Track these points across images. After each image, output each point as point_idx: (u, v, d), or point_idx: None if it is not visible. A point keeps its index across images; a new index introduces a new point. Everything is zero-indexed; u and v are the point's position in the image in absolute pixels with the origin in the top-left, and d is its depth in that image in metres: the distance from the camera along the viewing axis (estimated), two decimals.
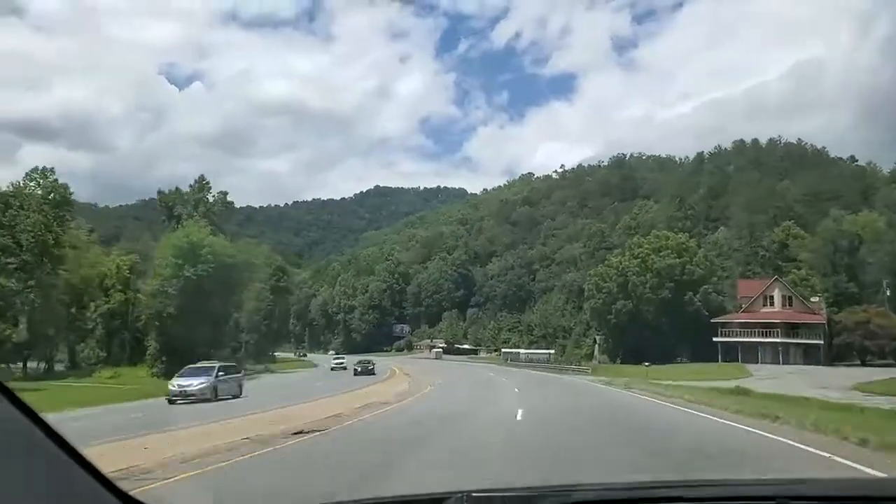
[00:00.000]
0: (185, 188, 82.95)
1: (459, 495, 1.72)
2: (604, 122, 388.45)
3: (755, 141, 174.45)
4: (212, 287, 63.33)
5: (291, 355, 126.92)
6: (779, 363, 66.57)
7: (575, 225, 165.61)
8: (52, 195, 65.49)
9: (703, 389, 31.43)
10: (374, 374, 60.68)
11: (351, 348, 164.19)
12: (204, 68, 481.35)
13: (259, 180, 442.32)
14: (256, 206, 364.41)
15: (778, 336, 70.71)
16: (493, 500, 2.00)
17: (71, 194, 67.18)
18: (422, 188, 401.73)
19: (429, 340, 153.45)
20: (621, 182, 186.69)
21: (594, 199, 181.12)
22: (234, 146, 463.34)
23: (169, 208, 78.92)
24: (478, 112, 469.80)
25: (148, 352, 63.93)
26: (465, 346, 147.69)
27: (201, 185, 79.42)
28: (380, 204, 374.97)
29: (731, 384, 35.17)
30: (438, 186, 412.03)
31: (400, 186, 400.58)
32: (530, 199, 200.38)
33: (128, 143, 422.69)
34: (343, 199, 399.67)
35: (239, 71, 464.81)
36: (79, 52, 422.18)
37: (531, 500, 1.91)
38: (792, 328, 70.61)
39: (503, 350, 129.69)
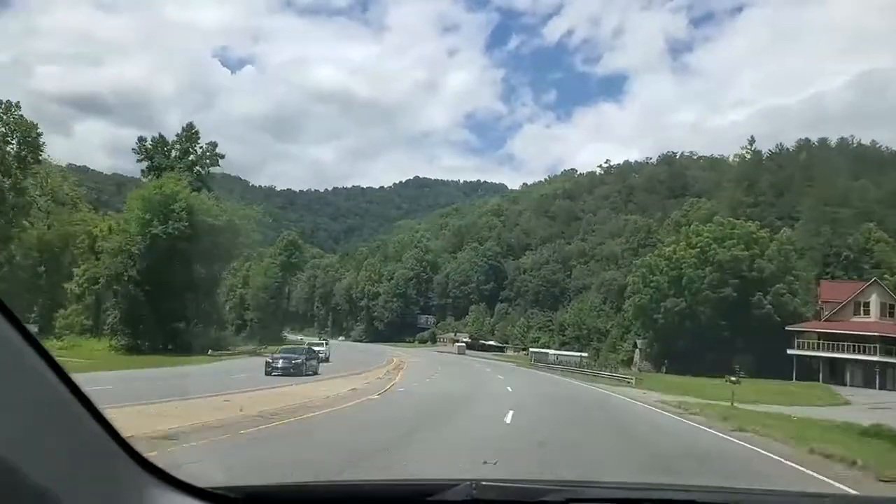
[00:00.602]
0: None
1: (469, 482, 1.76)
2: (653, 126, 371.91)
3: (823, 140, 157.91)
4: (189, 251, 52.71)
5: (300, 337, 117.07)
6: (874, 387, 52.65)
7: (617, 221, 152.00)
8: (14, 134, 55.47)
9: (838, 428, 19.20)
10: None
11: (373, 336, 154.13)
12: (257, 53, 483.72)
13: (302, 166, 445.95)
14: (297, 189, 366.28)
15: (874, 353, 56.30)
16: (500, 489, 1.96)
17: (39, 135, 56.87)
18: (462, 181, 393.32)
19: (453, 334, 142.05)
20: (670, 179, 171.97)
21: (640, 195, 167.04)
22: (282, 131, 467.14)
23: (149, 157, 67.92)
24: (524, 109, 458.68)
25: (107, 321, 53.68)
26: (492, 343, 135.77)
27: (189, 133, 68.61)
28: (418, 195, 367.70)
29: (840, 415, 23.22)
30: (478, 180, 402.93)
31: (439, 178, 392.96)
32: (571, 192, 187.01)
33: (177, 121, 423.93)
34: (382, 187, 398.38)
35: (291, 57, 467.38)
36: (136, 31, 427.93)
37: (539, 493, 1.86)
38: (893, 344, 56.09)
39: (531, 349, 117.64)
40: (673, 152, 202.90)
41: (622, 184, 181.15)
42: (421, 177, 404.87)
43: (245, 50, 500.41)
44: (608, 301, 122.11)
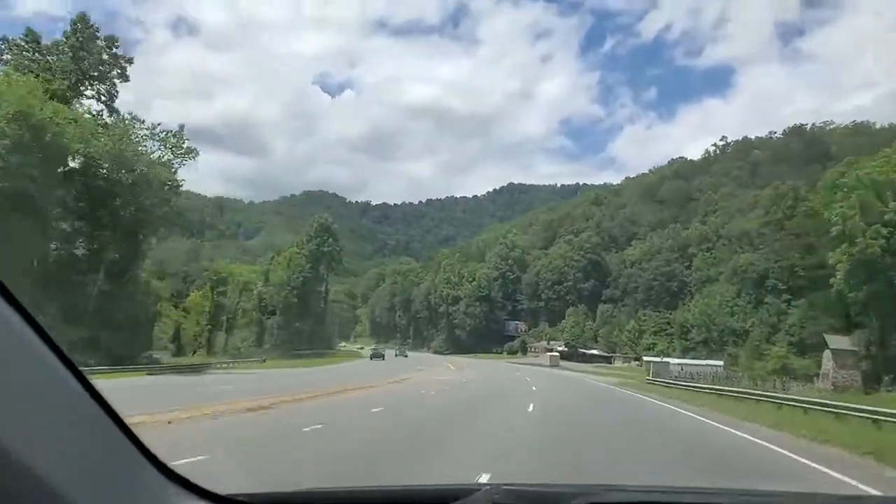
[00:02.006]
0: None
1: (489, 487, 1.75)
2: (764, 117, 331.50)
3: None
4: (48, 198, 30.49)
5: (360, 347, 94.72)
6: None
7: (746, 196, 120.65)
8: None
9: None
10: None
11: (455, 347, 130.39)
12: (354, 76, 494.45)
13: (399, 181, 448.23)
14: (392, 203, 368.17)
15: None
16: (520, 493, 1.92)
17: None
18: (559, 185, 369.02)
19: (546, 342, 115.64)
20: (805, 148, 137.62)
21: (767, 168, 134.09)
22: (379, 149, 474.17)
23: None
24: (623, 110, 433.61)
25: None
26: (594, 352, 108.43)
27: (84, 28, 42.65)
28: (512, 201, 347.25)
29: None
30: (577, 183, 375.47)
31: (535, 184, 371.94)
32: (682, 173, 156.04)
33: (283, 147, 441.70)
34: (476, 196, 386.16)
35: (386, 78, 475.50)
36: (243, 65, 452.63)
37: (561, 497, 1.80)
38: None
39: (646, 359, 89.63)
40: (801, 124, 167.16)
41: (744, 160, 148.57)
42: (515, 182, 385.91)
43: (343, 74, 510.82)
44: (744, 293, 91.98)
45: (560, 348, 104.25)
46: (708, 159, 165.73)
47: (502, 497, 1.75)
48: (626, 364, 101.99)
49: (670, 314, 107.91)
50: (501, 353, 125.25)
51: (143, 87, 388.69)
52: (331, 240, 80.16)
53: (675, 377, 66.99)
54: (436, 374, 45.69)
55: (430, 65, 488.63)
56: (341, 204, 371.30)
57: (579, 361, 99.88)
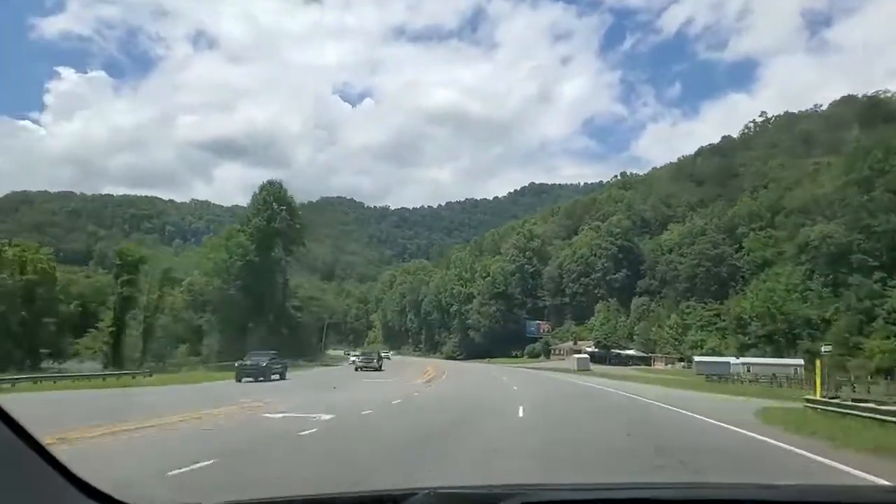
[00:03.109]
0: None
1: (426, 492, 1.74)
2: (792, 107, 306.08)
3: None
4: None
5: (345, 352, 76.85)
6: None
7: (802, 165, 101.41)
8: None
9: None
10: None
11: (469, 351, 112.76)
12: (374, 84, 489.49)
13: (420, 187, 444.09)
14: (410, 207, 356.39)
15: None
16: (458, 496, 1.96)
17: None
18: (582, 184, 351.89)
19: (572, 342, 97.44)
20: (866, 112, 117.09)
21: (825, 133, 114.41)
22: (400, 156, 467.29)
23: None
24: (646, 109, 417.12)
25: None
26: (630, 352, 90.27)
27: None
28: (535, 202, 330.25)
29: None
30: (601, 182, 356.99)
31: (557, 183, 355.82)
32: (722, 148, 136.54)
33: (304, 157, 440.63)
34: (496, 198, 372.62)
35: (406, 84, 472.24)
36: (264, 77, 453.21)
37: (494, 497, 1.80)
38: None
39: (697, 359, 71.48)
40: (851, 94, 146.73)
41: (791, 131, 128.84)
42: (537, 183, 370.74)
43: (363, 83, 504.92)
44: (817, 274, 73.06)
45: (589, 349, 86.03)
46: (747, 135, 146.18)
47: (439, 500, 1.74)
48: (668, 366, 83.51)
49: (720, 305, 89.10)
50: (521, 356, 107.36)
51: (167, 103, 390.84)
52: (285, 212, 60.10)
53: (736, 378, 48.86)
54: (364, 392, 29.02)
55: (449, 70, 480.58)
56: (359, 209, 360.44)
57: (613, 364, 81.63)
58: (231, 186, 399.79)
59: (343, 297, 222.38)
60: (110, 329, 42.21)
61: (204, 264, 52.23)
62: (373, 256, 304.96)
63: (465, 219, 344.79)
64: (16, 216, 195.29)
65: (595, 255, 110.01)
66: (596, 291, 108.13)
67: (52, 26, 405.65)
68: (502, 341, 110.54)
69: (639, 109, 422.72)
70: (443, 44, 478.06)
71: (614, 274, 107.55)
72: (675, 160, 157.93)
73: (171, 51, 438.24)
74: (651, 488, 2.20)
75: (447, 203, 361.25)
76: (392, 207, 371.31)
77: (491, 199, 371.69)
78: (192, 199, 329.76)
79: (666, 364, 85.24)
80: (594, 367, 72.69)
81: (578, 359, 72.04)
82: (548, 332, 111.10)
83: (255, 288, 51.37)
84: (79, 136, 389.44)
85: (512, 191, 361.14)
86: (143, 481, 6.97)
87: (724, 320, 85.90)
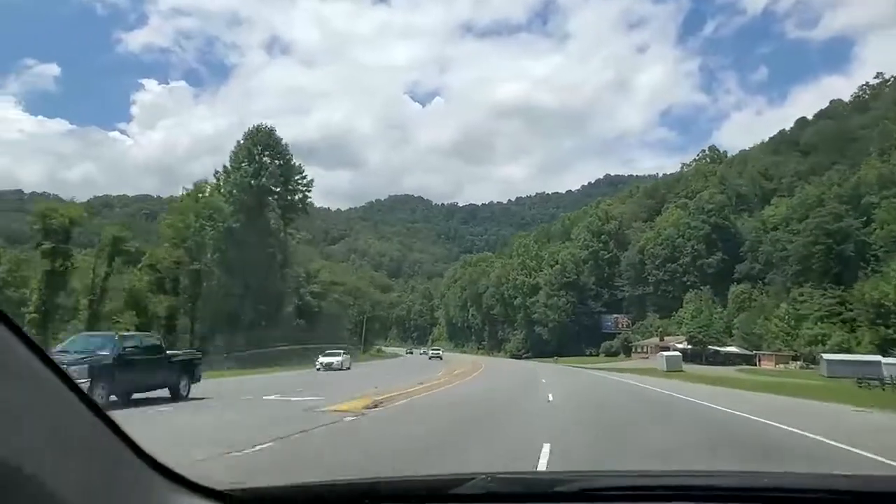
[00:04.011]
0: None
1: (483, 476, 1.74)
2: None
3: None
4: None
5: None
6: None
7: None
8: None
9: None
10: None
11: (536, 349, 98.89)
12: (444, 82, 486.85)
13: (490, 183, 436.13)
14: (479, 203, 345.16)
15: None
16: (515, 481, 1.95)
17: None
18: (660, 175, 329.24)
19: (658, 338, 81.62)
20: None
21: None
22: (471, 153, 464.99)
23: None
24: (728, 97, 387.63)
25: None
26: (732, 349, 73.80)
27: None
28: (610, 192, 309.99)
29: None
30: (682, 169, 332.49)
31: (633, 174, 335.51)
32: (829, 112, 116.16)
33: (375, 158, 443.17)
34: (569, 191, 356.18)
35: (476, 80, 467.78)
36: (336, 80, 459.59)
37: (552, 483, 1.83)
38: None
39: (826, 358, 54.89)
40: None
41: None
42: (613, 174, 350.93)
43: (433, 82, 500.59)
44: None
45: (680, 346, 70.28)
46: (861, 98, 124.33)
47: (496, 485, 1.75)
48: (780, 366, 66.67)
49: (845, 291, 71.16)
50: (597, 354, 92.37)
51: (244, 109, 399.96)
52: (277, 163, 46.17)
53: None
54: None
55: (519, 64, 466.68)
56: (427, 207, 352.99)
57: (710, 363, 65.74)
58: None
59: (408, 293, 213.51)
60: (32, 315, 31.25)
61: (162, 232, 40.54)
62: (440, 253, 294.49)
63: (537, 214, 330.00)
64: (97, 219, 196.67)
65: (683, 237, 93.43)
66: (684, 279, 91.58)
67: (135, 40, 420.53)
68: (574, 338, 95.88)
69: (721, 97, 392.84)
70: (512, 37, 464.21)
71: (707, 258, 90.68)
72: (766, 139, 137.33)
73: (247, 58, 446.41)
74: (713, 476, 2.03)
75: (517, 198, 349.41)
76: (460, 204, 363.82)
77: (564, 192, 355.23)
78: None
79: (777, 364, 68.40)
80: (686, 367, 57.42)
81: (668, 357, 56.75)
82: (627, 326, 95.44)
83: (238, 265, 39.44)
84: (162, 144, 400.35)
85: (586, 183, 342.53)
86: None
87: (851, 309, 68.19)
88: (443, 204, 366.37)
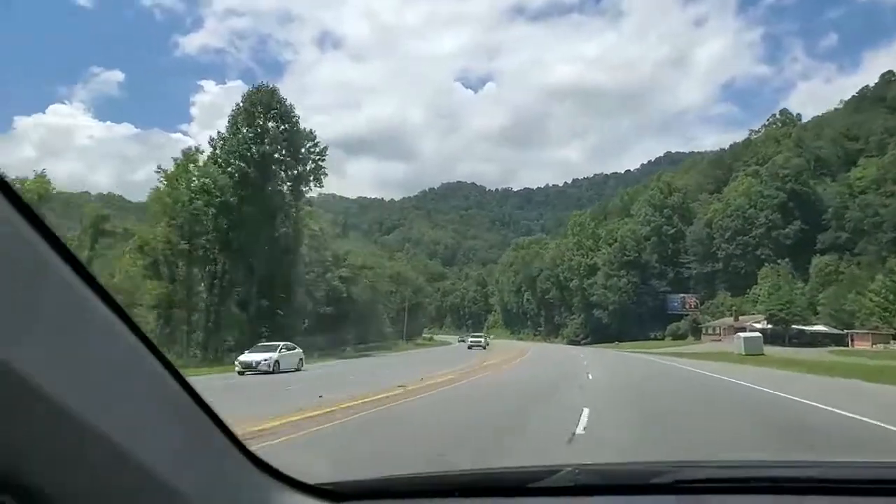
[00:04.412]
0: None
1: (570, 468, 1.71)
2: None
3: None
4: None
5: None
6: None
7: None
8: None
9: None
10: None
11: (596, 334, 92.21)
12: (495, 68, 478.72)
13: (544, 167, 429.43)
14: (534, 187, 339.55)
15: None
16: (605, 472, 1.92)
17: None
18: (724, 149, 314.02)
19: (732, 319, 73.60)
20: None
21: None
22: (524, 137, 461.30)
23: None
24: (795, 65, 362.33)
25: None
26: (819, 328, 65.35)
27: None
28: (671, 171, 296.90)
29: None
30: (750, 136, 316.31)
31: (695, 150, 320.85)
32: None
33: (428, 147, 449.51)
34: (628, 171, 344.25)
35: (527, 64, 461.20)
36: (386, 72, 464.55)
37: (645, 475, 1.77)
38: None
39: None
40: None
41: None
42: (673, 151, 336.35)
43: (483, 68, 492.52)
44: None
45: (758, 325, 62.39)
46: None
47: (585, 477, 1.70)
48: (878, 346, 58.03)
49: None
50: (662, 337, 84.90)
51: (297, 105, 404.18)
52: (282, 127, 40.37)
53: None
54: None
55: (572, 45, 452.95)
56: (480, 193, 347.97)
57: (794, 345, 57.78)
58: (358, 181, 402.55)
59: (461, 280, 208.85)
60: None
61: (148, 208, 35.89)
62: (495, 240, 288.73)
63: (594, 195, 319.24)
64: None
65: (755, 207, 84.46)
66: (758, 252, 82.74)
67: (191, 43, 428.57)
68: (636, 321, 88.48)
69: (786, 67, 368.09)
70: (564, 19, 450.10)
71: (783, 228, 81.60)
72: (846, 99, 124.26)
73: (299, 55, 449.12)
74: (816, 467, 1.90)
75: (573, 180, 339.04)
76: (514, 189, 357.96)
77: (622, 172, 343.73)
78: (319, 192, 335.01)
79: (874, 344, 59.67)
80: (767, 350, 49.91)
81: (747, 338, 49.31)
82: (695, 306, 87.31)
83: (239, 245, 35.33)
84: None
85: (645, 162, 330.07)
86: None
87: None
88: (496, 189, 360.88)
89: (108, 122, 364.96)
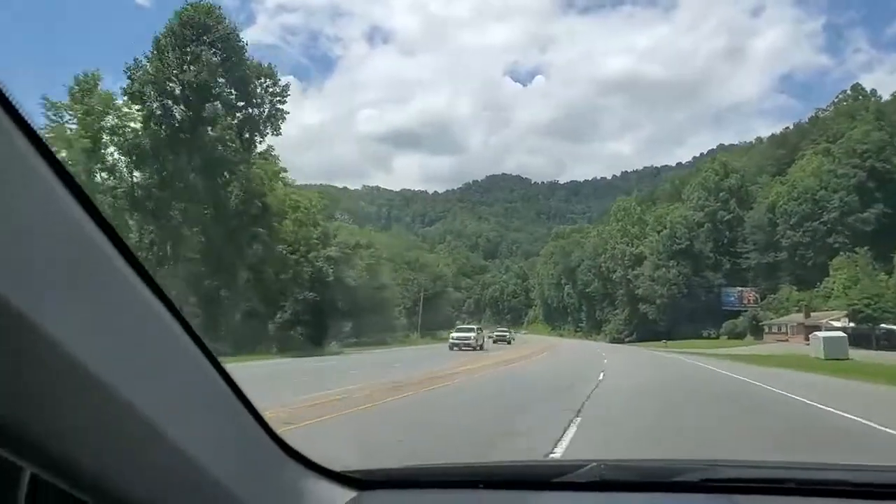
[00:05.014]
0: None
1: (595, 463, 1.70)
2: None
3: None
4: None
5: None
6: None
7: None
8: None
9: None
10: None
11: (642, 330, 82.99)
12: (544, 61, 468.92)
13: (595, 161, 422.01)
14: (581, 180, 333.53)
15: None
16: (630, 469, 1.91)
17: None
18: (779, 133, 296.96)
19: (802, 315, 63.31)
20: None
21: None
22: (574, 131, 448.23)
23: None
24: (857, 56, 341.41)
25: None
26: None
27: None
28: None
29: None
30: (817, 114, 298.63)
31: (748, 141, 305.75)
32: None
33: (476, 141, 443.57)
34: (679, 163, 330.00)
35: (578, 57, 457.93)
36: (435, 66, 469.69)
37: (670, 472, 1.75)
38: None
39: None
40: None
41: None
42: (726, 144, 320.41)
43: (533, 61, 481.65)
44: None
45: (837, 324, 52.29)
46: None
47: (611, 472, 1.69)
48: None
49: None
50: (717, 336, 75.10)
51: (348, 100, 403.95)
52: (227, 56, 31.59)
53: None
54: None
55: (623, 37, 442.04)
56: (526, 185, 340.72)
57: (885, 348, 47.57)
58: (404, 174, 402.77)
59: (502, 273, 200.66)
60: None
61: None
62: (539, 233, 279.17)
63: (644, 187, 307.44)
64: None
65: (827, 189, 73.53)
66: (831, 240, 71.89)
67: (244, 39, 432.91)
68: (687, 316, 78.70)
69: (848, 58, 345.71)
70: (615, 11, 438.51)
71: (861, 212, 70.61)
72: None
73: (349, 50, 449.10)
74: (846, 470, 1.86)
75: (622, 172, 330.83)
76: (561, 182, 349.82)
77: (674, 164, 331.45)
78: (364, 185, 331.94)
79: None
80: (853, 353, 40.23)
81: (827, 339, 39.67)
82: (755, 302, 76.97)
83: (161, 204, 27.36)
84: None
85: (697, 154, 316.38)
86: None
87: None
88: (542, 182, 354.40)
89: None
